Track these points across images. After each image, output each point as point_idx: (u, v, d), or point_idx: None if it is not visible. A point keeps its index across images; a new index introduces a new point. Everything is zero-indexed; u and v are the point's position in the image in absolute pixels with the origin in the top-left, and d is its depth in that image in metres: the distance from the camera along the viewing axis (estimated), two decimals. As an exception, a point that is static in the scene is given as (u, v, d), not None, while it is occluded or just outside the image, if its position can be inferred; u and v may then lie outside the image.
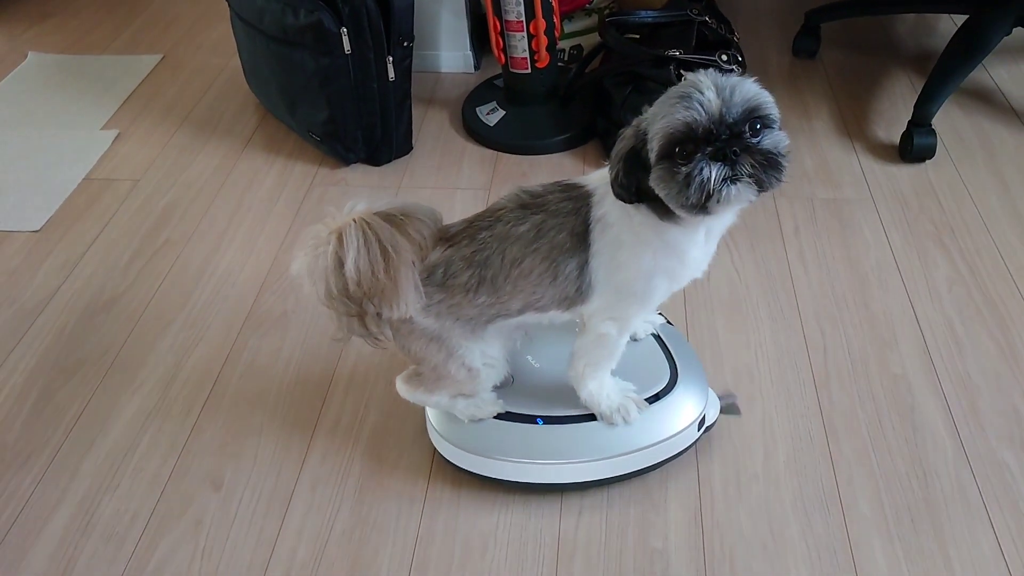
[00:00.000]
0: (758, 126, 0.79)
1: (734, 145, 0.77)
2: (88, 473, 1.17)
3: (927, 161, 1.62)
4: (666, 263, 0.91)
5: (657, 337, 1.14)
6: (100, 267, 1.51)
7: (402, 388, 1.08)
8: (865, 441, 1.14)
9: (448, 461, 1.12)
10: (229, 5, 1.71)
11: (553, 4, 1.64)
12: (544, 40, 1.65)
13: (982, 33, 1.64)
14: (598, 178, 0.92)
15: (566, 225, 0.91)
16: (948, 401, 1.18)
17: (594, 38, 1.93)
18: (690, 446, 1.10)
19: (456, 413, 1.07)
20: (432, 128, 1.81)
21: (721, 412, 1.14)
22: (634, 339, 1.14)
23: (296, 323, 1.37)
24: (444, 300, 0.95)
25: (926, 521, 1.04)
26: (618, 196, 0.87)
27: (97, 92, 1.99)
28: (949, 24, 2.03)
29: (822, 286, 1.38)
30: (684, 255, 0.90)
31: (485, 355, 1.01)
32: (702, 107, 0.77)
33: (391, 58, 1.58)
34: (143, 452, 1.20)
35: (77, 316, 1.41)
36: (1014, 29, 1.66)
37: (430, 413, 1.12)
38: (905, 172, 1.60)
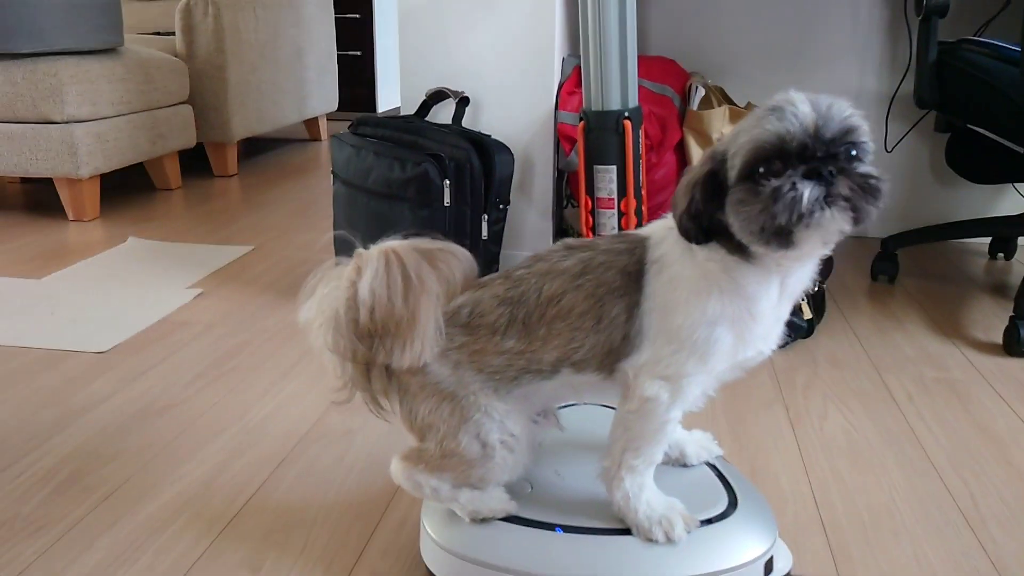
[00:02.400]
0: (853, 152, 0.71)
1: (830, 165, 0.69)
2: (104, 547, 0.99)
3: (1038, 356, 1.53)
4: (733, 310, 0.76)
5: (711, 466, 0.96)
6: (159, 382, 1.42)
7: (397, 469, 0.88)
8: (1049, 584, 0.93)
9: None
10: (334, 175, 1.81)
11: (643, 182, 1.71)
12: (634, 220, 1.70)
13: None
14: (653, 227, 0.84)
15: (617, 263, 0.80)
16: None
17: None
18: None
19: (456, 509, 0.87)
20: (512, 308, 1.80)
21: None
22: (684, 464, 0.95)
23: (362, 440, 1.24)
24: (467, 344, 0.83)
25: None
26: (685, 233, 0.76)
27: (187, 265, 2.05)
28: (1021, 268, 2.06)
29: (952, 442, 1.23)
30: (754, 304, 0.77)
31: (504, 429, 0.84)
32: (796, 119, 0.70)
33: (487, 216, 1.62)
34: (174, 532, 1.02)
35: (126, 417, 1.30)
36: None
37: (426, 517, 0.91)
38: (1017, 364, 1.51)
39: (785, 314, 0.81)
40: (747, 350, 0.79)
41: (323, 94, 3.78)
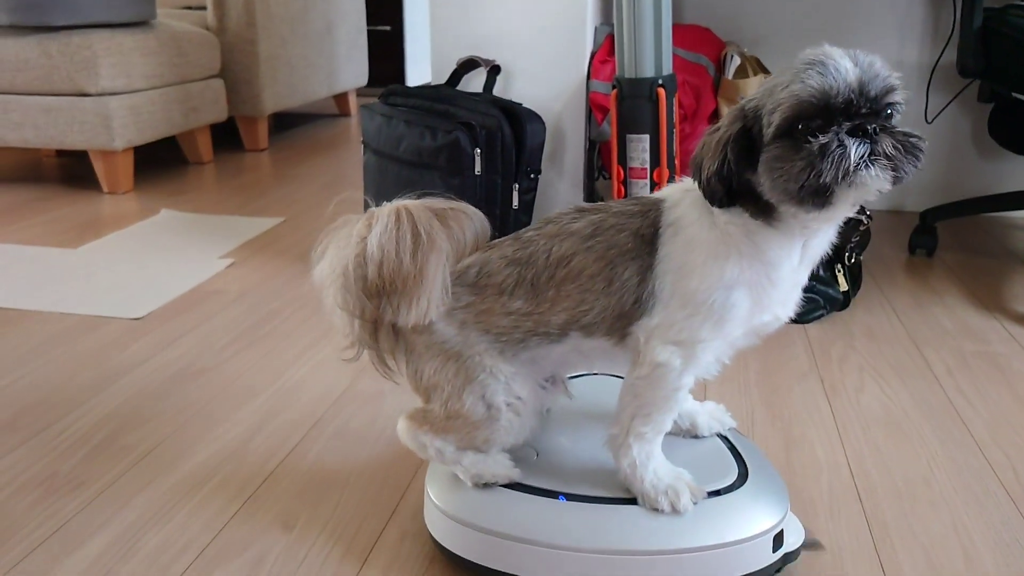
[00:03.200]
0: (889, 111, 0.70)
1: (874, 122, 0.68)
2: (141, 505, 1.01)
3: (1082, 330, 1.50)
4: (752, 274, 0.75)
5: (724, 438, 0.93)
6: (194, 348, 1.44)
7: (403, 428, 0.89)
8: (1093, 555, 0.91)
9: (447, 551, 0.87)
10: (364, 144, 1.81)
11: (677, 152, 1.69)
12: (667, 190, 1.68)
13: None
14: (668, 190, 0.82)
15: (629, 225, 0.78)
16: None
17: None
18: (764, 569, 0.83)
19: (459, 472, 0.86)
20: (542, 279, 1.79)
21: (803, 548, 0.89)
22: (695, 435, 0.93)
23: (393, 402, 1.24)
24: (473, 304, 0.82)
25: None
26: (709, 195, 0.74)
27: (219, 236, 2.07)
28: (1067, 243, 2.01)
29: (993, 415, 1.21)
30: (774, 269, 0.75)
31: (510, 391, 0.83)
32: (840, 74, 0.68)
33: (517, 186, 1.61)
34: (210, 490, 1.03)
35: (162, 381, 1.32)
36: None
37: (430, 482, 0.90)
38: (1059, 338, 1.48)
39: (803, 279, 0.80)
40: (763, 315, 0.78)
41: (353, 69, 3.77)
